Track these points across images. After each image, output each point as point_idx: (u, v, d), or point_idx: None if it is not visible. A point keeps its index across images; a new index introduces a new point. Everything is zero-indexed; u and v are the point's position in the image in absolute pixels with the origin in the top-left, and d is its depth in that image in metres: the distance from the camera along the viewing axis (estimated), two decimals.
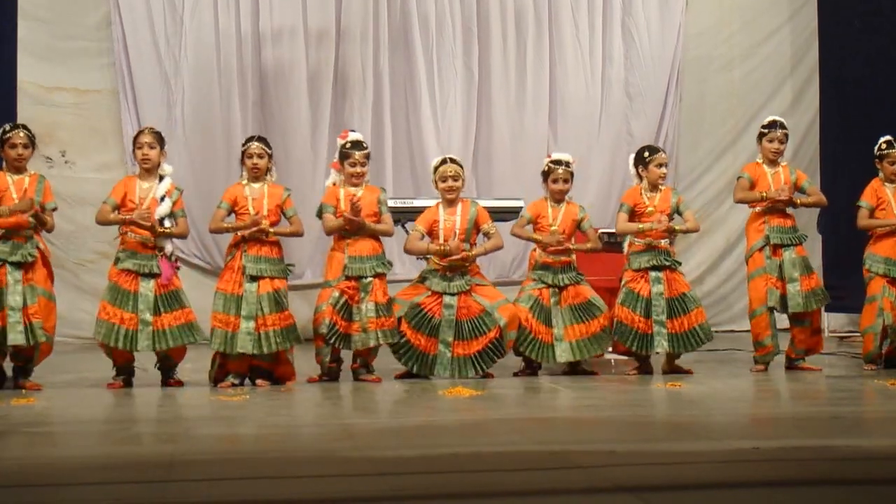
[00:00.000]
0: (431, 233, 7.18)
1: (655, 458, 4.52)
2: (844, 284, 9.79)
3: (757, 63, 11.23)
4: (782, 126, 7.47)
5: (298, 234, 7.07)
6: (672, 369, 7.30)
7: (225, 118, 10.29)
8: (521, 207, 8.93)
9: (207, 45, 10.32)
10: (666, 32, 11.10)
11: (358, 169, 6.98)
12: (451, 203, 7.18)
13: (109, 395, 6.55)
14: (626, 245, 7.44)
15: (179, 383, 6.80)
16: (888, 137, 7.52)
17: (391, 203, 8.69)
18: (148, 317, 6.60)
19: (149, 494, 3.89)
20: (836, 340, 10.00)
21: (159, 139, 6.83)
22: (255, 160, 6.86)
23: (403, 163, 10.61)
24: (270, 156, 6.94)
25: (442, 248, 7.06)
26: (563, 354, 7.16)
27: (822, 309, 7.69)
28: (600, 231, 7.63)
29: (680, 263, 7.41)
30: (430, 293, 7.06)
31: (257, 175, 6.89)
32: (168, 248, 6.75)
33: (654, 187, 7.33)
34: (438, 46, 10.71)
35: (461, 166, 7.23)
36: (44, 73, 10.00)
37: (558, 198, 7.31)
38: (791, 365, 7.48)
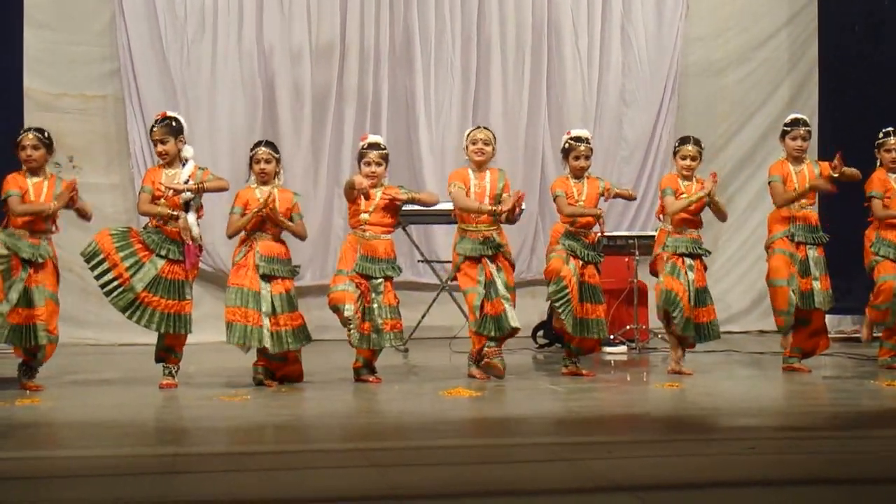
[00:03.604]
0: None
1: (653, 457, 4.56)
2: (845, 285, 9.80)
3: (753, 67, 11.27)
4: (805, 123, 7.49)
5: (300, 236, 7.09)
6: (677, 371, 7.34)
7: (229, 126, 10.35)
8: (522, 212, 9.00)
9: (211, 54, 10.39)
10: (664, 38, 11.16)
11: (373, 168, 7.04)
12: (479, 167, 7.19)
13: (113, 395, 6.60)
14: (659, 231, 7.48)
15: (172, 385, 6.78)
16: (889, 128, 7.62)
17: None
18: (139, 288, 6.63)
19: (152, 492, 3.93)
20: (836, 342, 10.01)
21: (171, 129, 6.81)
22: (263, 165, 6.92)
23: (402, 171, 10.67)
24: (278, 160, 7.00)
25: (493, 209, 7.02)
26: (573, 328, 7.20)
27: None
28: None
29: (710, 252, 7.48)
30: (464, 259, 7.08)
31: (265, 179, 6.94)
32: (195, 230, 6.74)
33: (685, 177, 7.37)
34: (437, 57, 10.80)
35: (493, 135, 7.26)
36: (50, 79, 10.05)
37: (579, 174, 7.32)
38: (785, 364, 7.53)
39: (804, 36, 11.19)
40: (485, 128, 7.34)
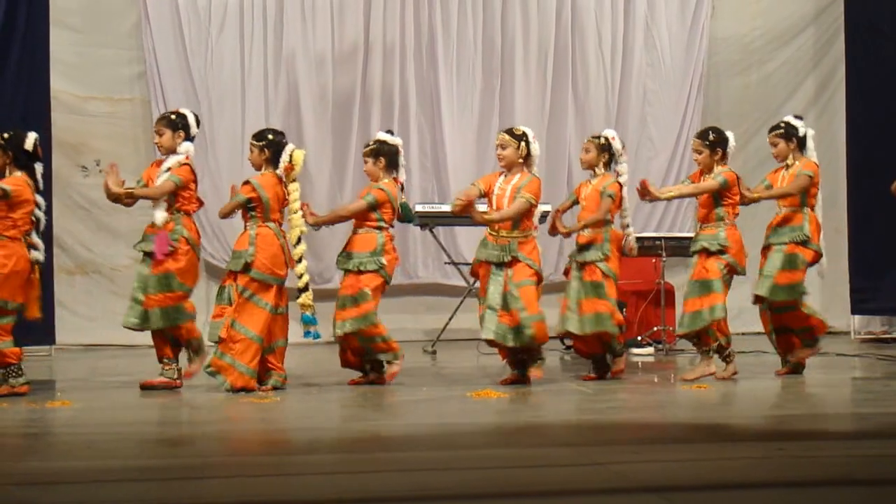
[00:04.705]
0: (488, 197, 7.11)
1: (679, 458, 4.55)
2: (874, 286, 9.74)
3: (777, 66, 11.22)
4: (776, 127, 7.39)
5: (221, 211, 6.88)
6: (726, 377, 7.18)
7: (254, 127, 10.32)
8: (548, 213, 9.01)
9: (235, 56, 10.43)
10: (689, 39, 11.12)
11: (365, 167, 7.15)
12: (509, 170, 7.11)
13: (142, 398, 6.63)
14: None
15: (190, 373, 6.88)
16: None
17: (419, 208, 8.80)
18: (140, 295, 6.71)
19: (176, 493, 3.97)
20: (864, 343, 9.96)
21: (170, 123, 6.90)
22: (249, 155, 6.92)
23: (428, 170, 10.75)
24: (262, 147, 6.79)
25: (454, 204, 6.98)
26: (571, 325, 7.15)
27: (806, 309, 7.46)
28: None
29: (727, 246, 7.34)
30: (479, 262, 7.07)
31: (255, 168, 6.90)
32: (157, 219, 6.75)
33: (704, 171, 7.29)
34: (461, 59, 10.82)
35: (515, 137, 7.07)
36: (77, 82, 10.08)
37: (587, 170, 7.34)
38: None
39: (829, 34, 11.12)
40: (506, 131, 7.17)
